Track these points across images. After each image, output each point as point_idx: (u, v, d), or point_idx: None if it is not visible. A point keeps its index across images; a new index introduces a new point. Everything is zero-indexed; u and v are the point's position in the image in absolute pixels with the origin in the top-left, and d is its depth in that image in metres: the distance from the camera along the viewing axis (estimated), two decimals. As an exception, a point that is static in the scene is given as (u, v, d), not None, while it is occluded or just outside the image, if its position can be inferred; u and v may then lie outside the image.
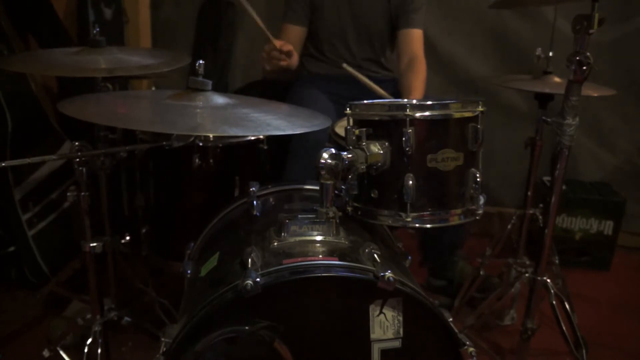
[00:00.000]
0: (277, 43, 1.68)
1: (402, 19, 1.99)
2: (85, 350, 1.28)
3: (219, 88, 2.51)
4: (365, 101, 1.02)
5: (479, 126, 0.97)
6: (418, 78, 1.90)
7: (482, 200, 1.01)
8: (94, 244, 1.20)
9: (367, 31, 2.02)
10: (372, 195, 0.98)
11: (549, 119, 1.22)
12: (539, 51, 1.65)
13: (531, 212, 1.75)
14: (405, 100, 1.06)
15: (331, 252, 0.87)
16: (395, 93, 1.94)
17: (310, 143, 1.64)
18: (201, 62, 1.11)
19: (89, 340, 1.27)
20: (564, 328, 1.38)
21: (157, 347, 0.85)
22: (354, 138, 0.98)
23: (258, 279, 0.77)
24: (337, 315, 0.82)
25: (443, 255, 1.95)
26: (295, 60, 1.81)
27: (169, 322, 1.51)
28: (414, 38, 1.99)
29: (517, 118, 2.45)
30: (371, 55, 2.06)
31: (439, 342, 0.87)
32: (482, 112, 0.98)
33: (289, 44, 1.72)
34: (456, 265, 1.93)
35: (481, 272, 1.78)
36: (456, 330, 0.86)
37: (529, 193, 1.74)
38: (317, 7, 2.01)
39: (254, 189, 1.11)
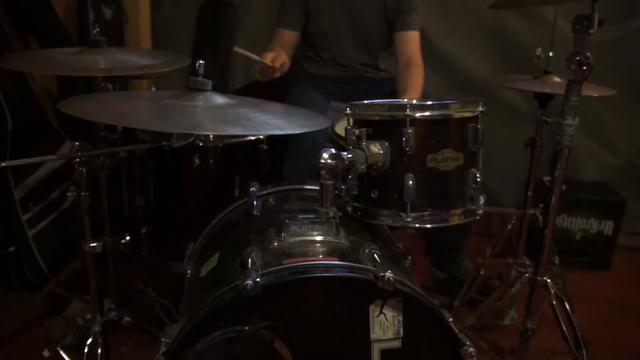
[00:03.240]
0: (269, 57, 1.72)
1: (399, 22, 1.98)
2: (85, 350, 1.27)
3: (219, 88, 2.51)
4: (365, 101, 1.02)
5: (479, 126, 0.97)
6: (414, 79, 1.89)
7: (482, 200, 1.01)
8: (94, 244, 1.20)
9: (363, 34, 2.01)
10: (372, 195, 0.98)
11: (549, 119, 1.22)
12: (539, 51, 1.65)
13: (531, 212, 1.75)
14: (405, 100, 1.06)
15: (331, 252, 0.87)
16: (393, 92, 1.94)
17: (310, 143, 1.64)
18: (201, 62, 1.11)
19: (89, 340, 1.27)
20: (564, 328, 1.39)
21: (157, 347, 0.85)
22: (354, 138, 0.98)
23: (258, 279, 0.77)
24: (337, 315, 0.82)
25: (448, 250, 1.95)
26: (286, 66, 1.84)
27: (169, 322, 1.51)
28: (410, 40, 1.98)
29: (517, 118, 2.45)
30: (368, 59, 2.05)
31: (439, 342, 0.87)
32: (482, 112, 0.98)
33: (280, 56, 1.76)
34: (462, 263, 1.93)
35: (481, 273, 1.78)
36: (456, 330, 0.86)
37: (529, 193, 1.74)
38: (312, 11, 2.01)
39: (254, 189, 1.11)
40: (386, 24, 2.01)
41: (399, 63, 1.98)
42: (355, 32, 2.01)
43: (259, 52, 2.75)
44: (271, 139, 1.60)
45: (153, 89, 2.01)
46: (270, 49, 1.86)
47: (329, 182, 0.91)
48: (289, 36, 2.02)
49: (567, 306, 1.40)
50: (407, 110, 0.93)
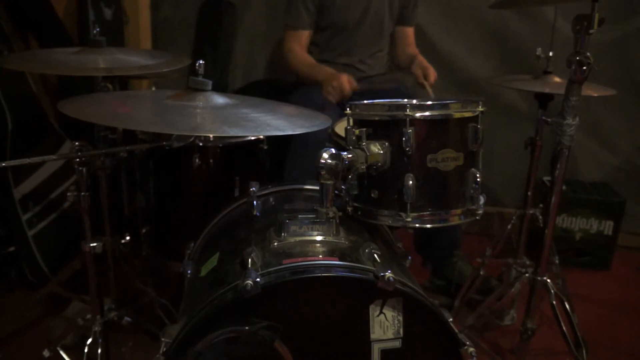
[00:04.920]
0: (344, 78, 1.77)
1: (403, 16, 2.12)
2: (85, 350, 1.28)
3: (219, 88, 2.51)
4: (365, 101, 1.02)
5: (479, 126, 0.97)
6: (416, 51, 2.14)
7: (482, 200, 1.01)
8: (94, 244, 1.20)
9: (379, 26, 2.07)
10: (372, 195, 0.98)
11: (549, 119, 1.22)
12: (539, 51, 1.64)
13: (531, 212, 1.75)
14: (405, 100, 1.06)
15: (331, 252, 0.87)
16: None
17: (310, 143, 1.64)
18: (201, 62, 1.11)
19: (89, 340, 1.28)
20: (564, 328, 1.38)
21: (157, 347, 0.85)
22: (354, 138, 0.98)
23: (258, 279, 0.77)
24: (337, 315, 0.82)
25: (440, 255, 1.95)
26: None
27: (169, 322, 1.51)
28: (410, 34, 2.19)
29: (517, 118, 2.45)
30: (378, 53, 2.11)
31: (439, 342, 0.87)
32: (482, 112, 0.98)
33: (352, 78, 1.82)
34: (455, 265, 1.93)
35: (481, 272, 1.78)
36: (456, 330, 0.86)
37: (529, 193, 1.74)
38: (328, 5, 2.01)
39: (254, 189, 1.11)
40: (394, 17, 2.10)
41: (398, 46, 2.18)
42: (372, 24, 2.05)
43: (258, 52, 2.75)
44: (271, 138, 1.60)
45: (153, 88, 2.01)
46: (303, 54, 2.00)
47: (329, 182, 0.91)
48: (307, 36, 2.06)
49: (567, 306, 1.40)
50: (407, 110, 0.93)
